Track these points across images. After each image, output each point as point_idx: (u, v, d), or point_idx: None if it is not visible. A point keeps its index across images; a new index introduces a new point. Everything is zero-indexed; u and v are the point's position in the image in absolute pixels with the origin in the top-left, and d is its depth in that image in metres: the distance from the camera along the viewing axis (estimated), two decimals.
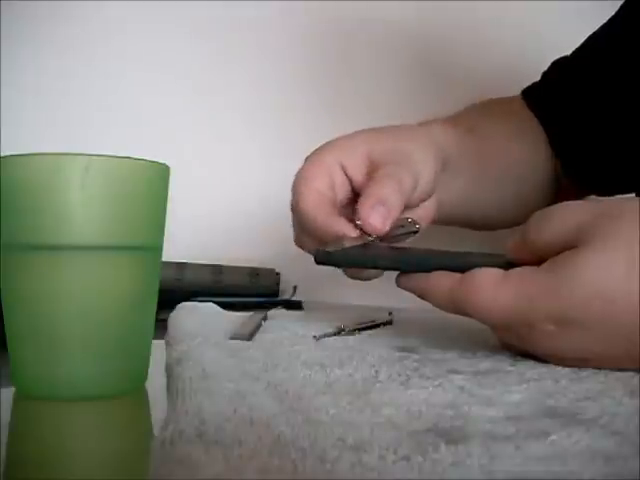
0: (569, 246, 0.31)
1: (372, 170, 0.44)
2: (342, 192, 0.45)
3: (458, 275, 0.34)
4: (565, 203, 0.34)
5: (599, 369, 0.31)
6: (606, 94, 0.58)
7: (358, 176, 0.44)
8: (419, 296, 0.36)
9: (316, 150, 0.46)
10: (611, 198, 0.34)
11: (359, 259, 0.38)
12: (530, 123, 0.61)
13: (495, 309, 0.32)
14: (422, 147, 0.47)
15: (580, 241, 0.31)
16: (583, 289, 0.30)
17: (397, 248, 0.39)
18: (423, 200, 0.46)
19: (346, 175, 0.45)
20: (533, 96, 0.62)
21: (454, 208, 0.54)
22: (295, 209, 0.45)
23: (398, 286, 0.37)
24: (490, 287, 0.32)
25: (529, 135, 0.60)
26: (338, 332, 0.42)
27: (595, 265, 0.30)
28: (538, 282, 0.31)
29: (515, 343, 0.34)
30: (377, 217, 0.39)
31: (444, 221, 0.55)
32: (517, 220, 0.56)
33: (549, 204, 0.35)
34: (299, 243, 0.47)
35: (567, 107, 0.59)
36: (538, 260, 0.32)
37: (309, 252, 0.44)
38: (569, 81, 0.60)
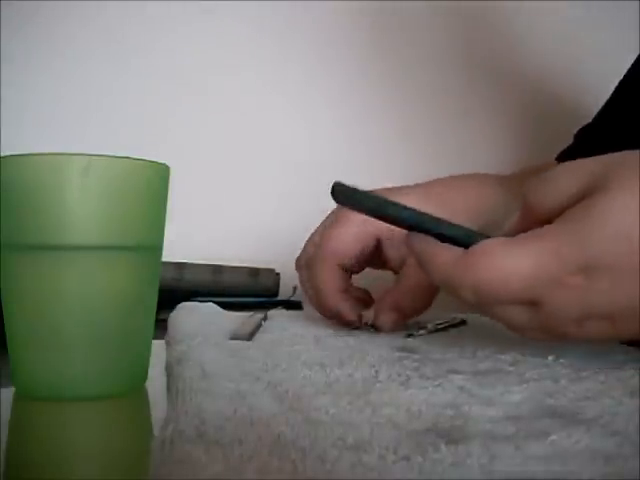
0: (582, 199, 0.30)
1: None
2: (367, 257, 0.47)
3: (460, 250, 0.32)
4: (565, 163, 0.32)
5: (600, 370, 0.31)
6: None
7: (391, 252, 0.47)
8: (420, 263, 0.34)
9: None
10: (617, 152, 0.33)
11: (379, 208, 0.35)
12: None
13: (513, 272, 0.29)
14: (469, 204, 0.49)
15: (596, 189, 0.29)
16: (610, 232, 0.28)
17: (420, 212, 0.35)
18: None
19: (377, 244, 0.47)
20: (565, 157, 0.62)
21: None
22: (310, 281, 0.47)
23: (406, 244, 0.35)
24: (503, 250, 0.30)
25: None
26: (419, 331, 0.43)
27: (618, 207, 0.29)
28: (560, 233, 0.29)
29: (528, 319, 0.31)
30: (387, 320, 0.44)
31: None
32: None
33: None
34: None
35: None
36: (545, 224, 0.31)
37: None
38: (599, 143, 0.60)
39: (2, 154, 0.30)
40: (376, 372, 0.31)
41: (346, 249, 0.46)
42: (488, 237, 0.32)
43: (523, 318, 0.32)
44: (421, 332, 0.43)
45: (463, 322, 0.48)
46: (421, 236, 0.34)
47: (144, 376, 0.33)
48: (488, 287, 0.30)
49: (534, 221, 0.32)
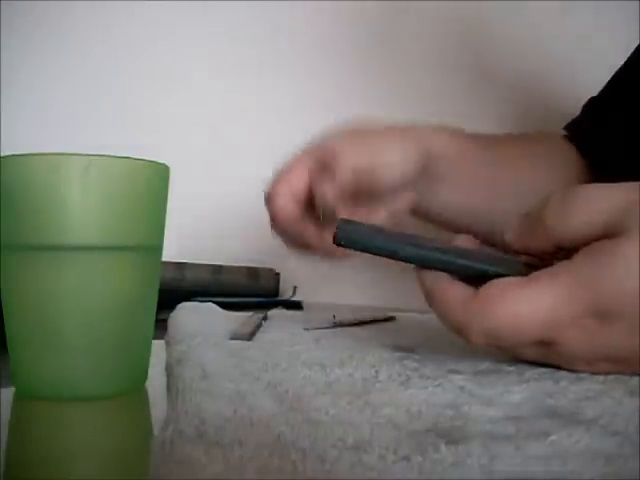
0: (607, 235, 0.29)
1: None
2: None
3: (470, 289, 0.31)
4: (589, 187, 0.31)
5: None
6: None
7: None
8: (429, 302, 0.33)
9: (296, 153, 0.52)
10: None
11: (379, 247, 0.34)
12: (565, 155, 0.61)
13: (526, 318, 0.29)
14: (397, 149, 0.51)
15: (622, 228, 0.28)
16: (630, 279, 0.27)
17: (418, 239, 0.35)
18: (393, 194, 0.52)
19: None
20: (572, 129, 0.63)
21: (444, 211, 0.57)
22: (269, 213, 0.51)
23: (417, 278, 0.34)
24: (515, 294, 0.29)
25: (559, 164, 0.61)
26: (332, 326, 0.43)
27: None
28: (576, 274, 0.28)
29: (538, 355, 0.31)
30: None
31: (436, 222, 0.58)
32: None
33: None
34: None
35: (611, 141, 0.59)
36: (554, 248, 0.30)
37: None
38: (608, 114, 0.61)
39: (2, 154, 0.30)
40: (376, 372, 0.31)
41: (295, 179, 0.51)
42: (504, 260, 0.32)
43: (534, 355, 0.32)
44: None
45: (392, 318, 0.49)
46: (431, 273, 0.33)
47: (144, 376, 0.33)
48: (498, 332, 0.29)
49: (546, 236, 0.31)
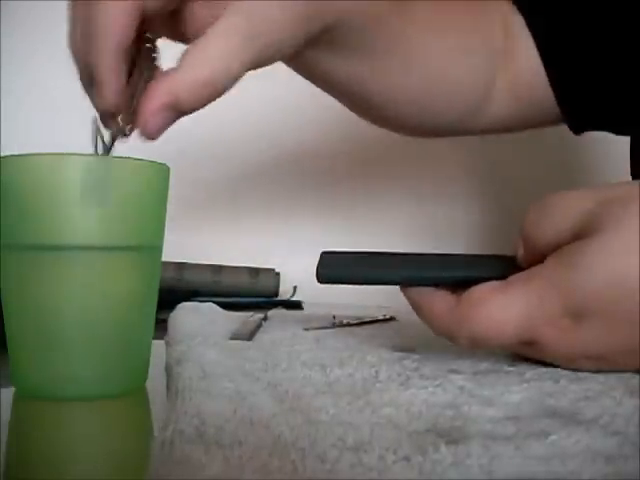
0: (575, 238, 0.30)
1: None
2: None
3: (453, 297, 0.32)
4: (562, 193, 0.32)
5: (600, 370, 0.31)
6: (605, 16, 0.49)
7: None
8: (417, 314, 0.34)
9: None
10: (613, 183, 0.31)
11: (365, 278, 0.36)
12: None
13: (504, 320, 0.30)
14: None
15: (589, 229, 0.29)
16: (601, 277, 0.28)
17: (400, 259, 0.36)
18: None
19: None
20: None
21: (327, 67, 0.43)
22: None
23: (402, 293, 0.35)
24: (495, 296, 0.30)
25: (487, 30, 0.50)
26: (332, 326, 0.43)
27: (609, 251, 0.28)
28: (547, 277, 0.30)
29: (529, 353, 0.32)
30: (157, 121, 0.33)
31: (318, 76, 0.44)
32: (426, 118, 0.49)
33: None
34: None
35: (562, 17, 0.50)
36: (542, 260, 0.31)
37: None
38: None
39: (2, 154, 0.30)
40: (376, 372, 0.31)
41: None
42: (488, 261, 0.33)
43: (525, 353, 0.33)
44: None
45: (392, 318, 0.49)
46: (415, 289, 0.34)
47: (144, 376, 0.33)
48: (483, 336, 0.31)
49: (532, 252, 0.32)
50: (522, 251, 0.33)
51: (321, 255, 0.35)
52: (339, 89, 0.46)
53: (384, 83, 0.46)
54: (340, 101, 0.48)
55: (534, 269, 0.31)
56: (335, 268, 0.35)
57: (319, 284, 0.35)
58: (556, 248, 0.30)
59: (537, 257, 0.31)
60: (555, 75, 0.51)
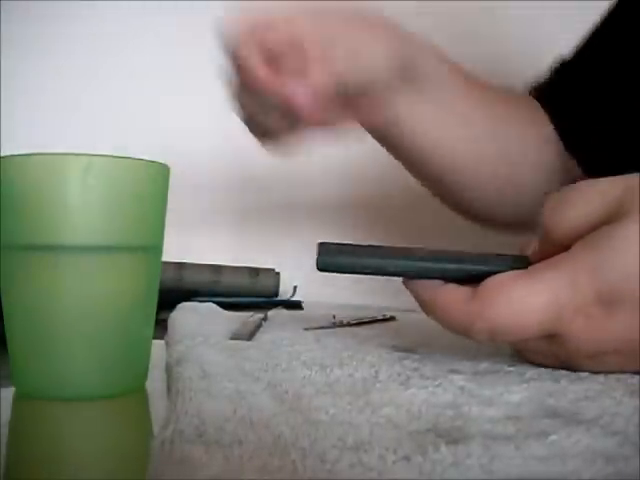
0: (601, 223, 0.28)
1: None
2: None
3: (468, 288, 0.30)
4: (583, 183, 0.31)
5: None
6: (616, 89, 0.55)
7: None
8: (424, 310, 0.32)
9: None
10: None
11: (365, 265, 0.33)
12: (533, 112, 0.58)
13: (530, 311, 0.28)
14: (378, 40, 0.47)
15: (619, 215, 0.28)
16: (631, 261, 0.27)
17: (404, 251, 0.34)
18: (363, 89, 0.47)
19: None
20: (541, 91, 0.60)
21: (412, 127, 0.51)
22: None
23: (407, 288, 0.33)
24: (518, 283, 0.28)
25: (528, 115, 0.58)
26: (332, 326, 0.43)
27: None
28: (577, 262, 0.28)
29: (544, 349, 0.31)
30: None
31: (396, 142, 0.52)
32: (499, 198, 0.53)
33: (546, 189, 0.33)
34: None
35: (578, 103, 0.57)
36: (563, 251, 0.29)
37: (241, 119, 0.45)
38: (578, 79, 0.58)
39: (2, 154, 0.30)
40: (376, 372, 0.31)
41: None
42: (495, 258, 0.31)
43: (539, 348, 0.31)
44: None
45: (392, 318, 0.48)
46: (422, 282, 0.32)
47: (144, 376, 0.33)
48: (504, 328, 0.29)
49: (552, 244, 0.30)
50: (535, 248, 0.31)
51: (319, 245, 0.33)
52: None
53: None
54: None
55: (559, 256, 0.29)
56: (336, 256, 0.33)
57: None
58: (580, 237, 0.29)
59: (557, 249, 0.30)
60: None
